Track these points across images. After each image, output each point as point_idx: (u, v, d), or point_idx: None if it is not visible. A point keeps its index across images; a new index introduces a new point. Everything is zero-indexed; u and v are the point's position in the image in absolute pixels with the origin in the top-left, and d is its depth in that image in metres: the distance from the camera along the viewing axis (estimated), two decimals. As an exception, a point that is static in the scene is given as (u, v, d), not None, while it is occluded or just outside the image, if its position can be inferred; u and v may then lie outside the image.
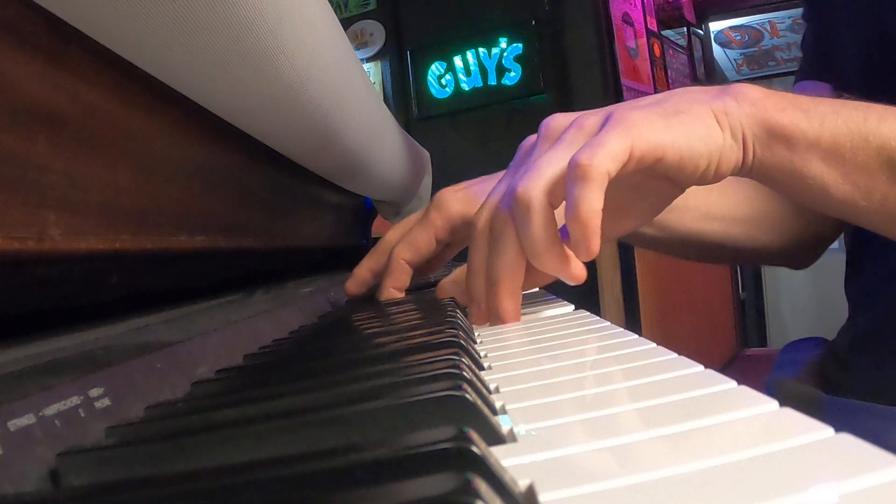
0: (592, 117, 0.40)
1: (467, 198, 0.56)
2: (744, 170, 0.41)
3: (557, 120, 0.42)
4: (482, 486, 0.13)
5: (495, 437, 0.19)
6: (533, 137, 0.45)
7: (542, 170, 0.38)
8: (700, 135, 0.38)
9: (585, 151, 0.36)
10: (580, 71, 2.30)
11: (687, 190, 0.44)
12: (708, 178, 0.40)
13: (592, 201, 0.35)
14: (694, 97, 0.40)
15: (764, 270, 3.36)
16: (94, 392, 0.23)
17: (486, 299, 0.41)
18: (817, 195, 0.41)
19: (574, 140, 0.39)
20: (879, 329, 0.60)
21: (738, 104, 0.40)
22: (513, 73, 2.40)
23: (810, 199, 0.43)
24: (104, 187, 0.33)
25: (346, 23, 2.62)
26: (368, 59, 2.62)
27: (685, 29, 3.17)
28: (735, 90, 0.40)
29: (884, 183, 0.40)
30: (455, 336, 0.32)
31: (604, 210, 0.36)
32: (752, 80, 3.94)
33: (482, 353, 0.34)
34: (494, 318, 0.42)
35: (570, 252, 0.38)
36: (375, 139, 0.69)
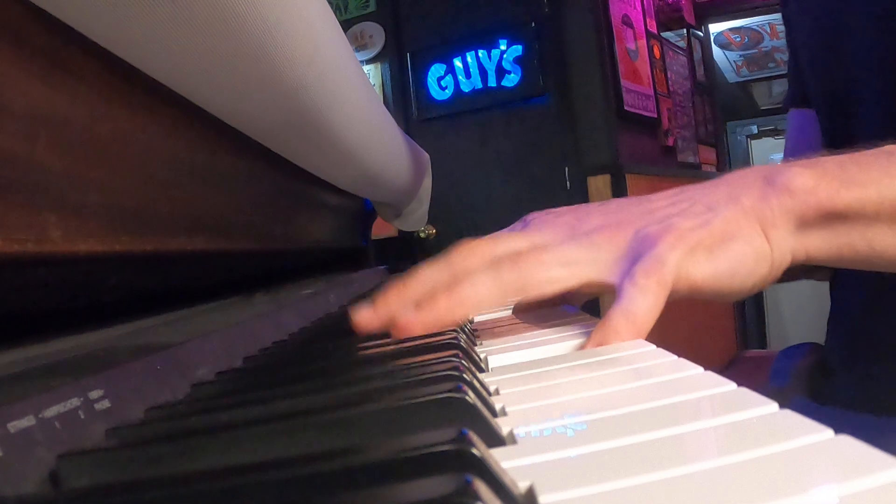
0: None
1: None
2: (801, 262, 0.39)
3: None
4: (482, 487, 0.13)
5: (495, 439, 0.19)
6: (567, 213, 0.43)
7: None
8: (746, 267, 0.36)
9: (621, 321, 0.34)
10: (580, 73, 2.30)
11: None
12: (754, 291, 0.38)
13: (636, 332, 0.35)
14: (742, 209, 0.37)
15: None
16: (94, 394, 0.23)
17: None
18: (892, 262, 0.39)
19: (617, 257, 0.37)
20: (854, 343, 0.61)
21: (792, 201, 0.37)
22: (512, 75, 2.40)
23: (886, 267, 0.40)
24: (104, 189, 0.33)
25: (346, 24, 2.62)
26: (368, 61, 2.63)
27: (685, 31, 3.17)
28: (784, 182, 0.37)
29: None
30: (455, 338, 0.32)
31: None
32: (752, 82, 3.95)
33: (482, 356, 0.34)
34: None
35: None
36: (375, 141, 0.70)
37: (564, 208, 0.45)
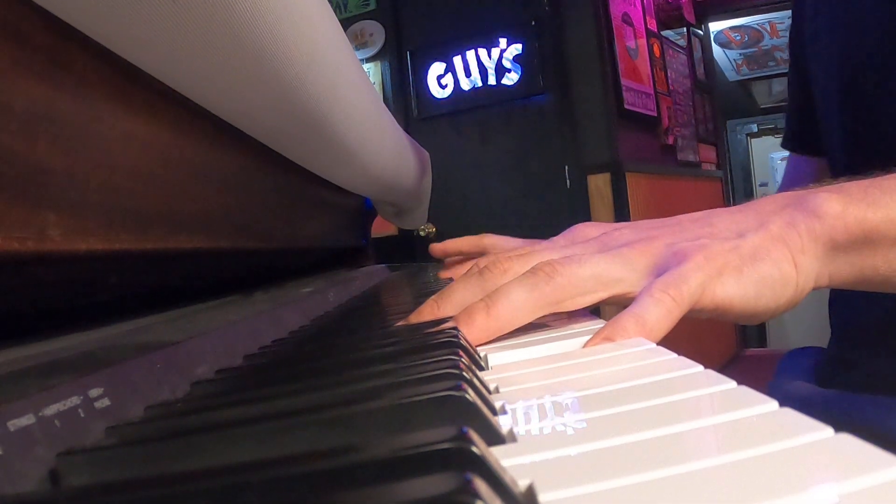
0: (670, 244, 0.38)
1: None
2: (824, 286, 0.39)
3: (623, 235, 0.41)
4: (482, 486, 0.13)
5: (495, 437, 0.19)
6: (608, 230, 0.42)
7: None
8: (772, 290, 0.36)
9: (630, 321, 0.34)
10: (580, 71, 2.30)
11: None
12: (777, 315, 0.39)
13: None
14: (770, 235, 0.37)
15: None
16: (93, 392, 0.23)
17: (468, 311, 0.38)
18: None
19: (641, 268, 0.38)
20: (857, 329, 0.63)
21: (820, 226, 0.37)
22: (512, 74, 2.40)
23: None
24: (104, 187, 0.33)
25: (346, 23, 2.62)
26: (368, 60, 2.63)
27: (685, 29, 3.17)
28: (813, 208, 0.38)
29: None
30: (455, 336, 0.32)
31: None
32: (752, 80, 3.95)
33: (482, 354, 0.34)
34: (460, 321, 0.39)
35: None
36: (375, 139, 0.69)
37: (593, 223, 0.46)
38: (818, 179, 0.77)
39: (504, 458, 0.17)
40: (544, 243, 0.44)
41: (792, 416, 0.18)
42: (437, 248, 0.77)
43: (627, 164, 2.30)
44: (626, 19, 2.50)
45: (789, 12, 0.83)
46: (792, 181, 0.85)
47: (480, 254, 0.73)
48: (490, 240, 0.72)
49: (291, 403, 0.23)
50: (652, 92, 2.62)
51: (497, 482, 0.14)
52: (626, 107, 2.35)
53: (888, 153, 0.59)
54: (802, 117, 0.81)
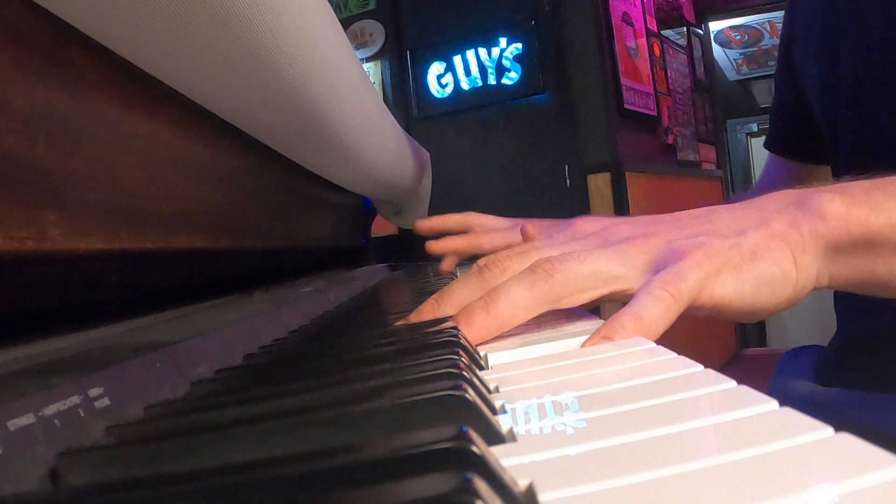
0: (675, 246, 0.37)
1: None
2: (824, 287, 0.39)
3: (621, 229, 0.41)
4: (482, 485, 0.13)
5: (495, 437, 0.19)
6: (607, 225, 0.42)
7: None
8: (772, 288, 0.36)
9: (629, 319, 0.34)
10: (580, 70, 2.30)
11: None
12: (776, 313, 0.38)
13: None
14: (771, 234, 0.37)
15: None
16: (93, 391, 0.23)
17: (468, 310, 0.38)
18: None
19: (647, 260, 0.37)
20: (864, 334, 0.63)
21: (823, 226, 0.37)
22: (513, 73, 2.40)
23: None
24: (104, 187, 0.33)
25: (346, 22, 2.62)
26: (368, 59, 2.62)
27: (685, 28, 3.17)
28: (816, 208, 0.37)
29: None
30: (455, 335, 0.32)
31: None
32: (752, 80, 3.95)
33: (482, 353, 0.34)
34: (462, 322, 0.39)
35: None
36: (375, 139, 0.69)
37: (592, 218, 0.46)
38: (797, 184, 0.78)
39: (504, 458, 0.17)
40: (543, 240, 0.44)
41: (792, 415, 0.18)
42: (423, 224, 0.79)
43: (627, 163, 2.30)
44: (626, 19, 2.49)
45: (789, 12, 0.83)
46: (770, 183, 0.85)
47: (465, 231, 0.75)
48: (476, 218, 0.73)
49: (291, 403, 0.23)
50: (652, 91, 2.62)
51: (497, 482, 0.14)
52: (626, 106, 2.35)
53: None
54: (791, 120, 0.81)
